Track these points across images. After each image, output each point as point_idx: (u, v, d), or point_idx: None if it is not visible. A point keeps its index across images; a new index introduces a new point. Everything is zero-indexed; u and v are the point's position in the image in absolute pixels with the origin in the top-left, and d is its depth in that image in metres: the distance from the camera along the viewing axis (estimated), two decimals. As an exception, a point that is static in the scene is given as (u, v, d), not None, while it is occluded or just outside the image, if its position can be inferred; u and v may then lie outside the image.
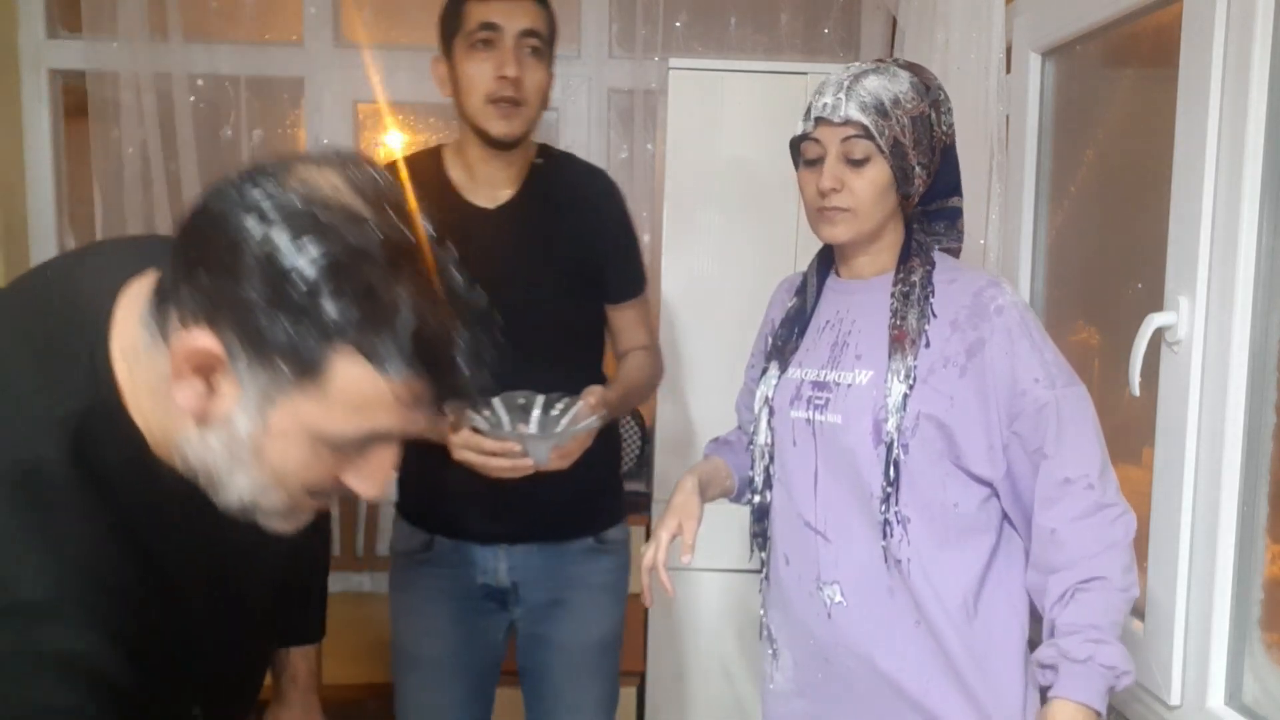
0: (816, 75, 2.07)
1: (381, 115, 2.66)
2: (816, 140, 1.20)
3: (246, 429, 0.68)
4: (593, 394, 1.37)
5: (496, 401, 1.38)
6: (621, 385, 1.52)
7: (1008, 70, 1.71)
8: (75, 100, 2.48)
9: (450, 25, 1.46)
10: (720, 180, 2.12)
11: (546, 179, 1.54)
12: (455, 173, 1.52)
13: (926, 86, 1.20)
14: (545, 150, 1.58)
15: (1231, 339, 1.19)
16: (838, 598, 1.22)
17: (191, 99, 2.48)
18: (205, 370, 0.67)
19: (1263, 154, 1.16)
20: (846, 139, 1.17)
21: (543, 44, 1.45)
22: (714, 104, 2.11)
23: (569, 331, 1.55)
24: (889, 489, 1.17)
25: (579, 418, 1.36)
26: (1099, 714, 1.09)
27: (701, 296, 2.18)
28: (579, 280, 1.54)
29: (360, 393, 0.66)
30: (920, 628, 1.19)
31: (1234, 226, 1.17)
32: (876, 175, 1.18)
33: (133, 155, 2.41)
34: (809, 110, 1.21)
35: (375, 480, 0.74)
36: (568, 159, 1.61)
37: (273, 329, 0.64)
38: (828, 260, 1.34)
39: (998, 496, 1.20)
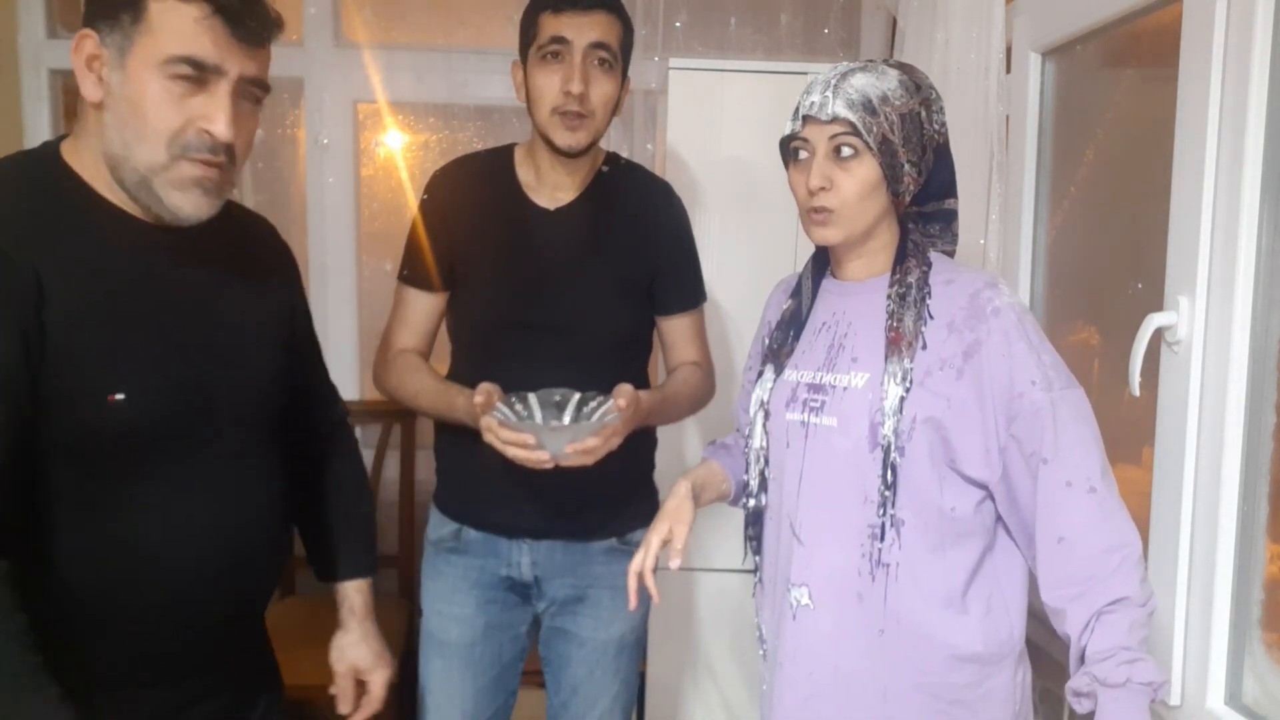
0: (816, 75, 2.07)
1: (381, 115, 2.66)
2: (805, 139, 1.19)
3: (118, 80, 1.01)
4: (623, 394, 1.38)
5: (532, 397, 1.41)
6: (661, 393, 1.55)
7: (1008, 70, 1.71)
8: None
9: (526, 35, 1.50)
10: (720, 180, 2.12)
11: (609, 186, 1.59)
12: (523, 173, 1.57)
13: (917, 86, 1.19)
14: (613, 159, 1.62)
15: (1231, 339, 1.19)
16: (805, 600, 1.22)
17: (191, 99, 2.48)
18: (91, 61, 1.02)
19: (1263, 154, 1.16)
20: (834, 136, 1.17)
21: (612, 56, 1.47)
22: (714, 104, 2.11)
23: (616, 336, 1.58)
24: (886, 492, 1.16)
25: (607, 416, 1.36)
26: None
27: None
28: (629, 286, 1.58)
29: (170, 22, 0.99)
30: (884, 638, 1.18)
31: (1234, 226, 1.18)
32: (865, 173, 1.17)
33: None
34: (797, 109, 1.21)
35: (216, 117, 1.01)
36: (633, 169, 1.65)
37: (138, 6, 0.99)
38: (823, 261, 1.33)
39: (992, 499, 1.20)
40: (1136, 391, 1.30)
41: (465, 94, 2.55)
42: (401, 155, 2.74)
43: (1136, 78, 1.56)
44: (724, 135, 2.12)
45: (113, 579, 1.09)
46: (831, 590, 1.20)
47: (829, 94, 1.17)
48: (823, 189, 1.18)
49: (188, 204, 1.05)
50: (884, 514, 1.17)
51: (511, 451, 1.33)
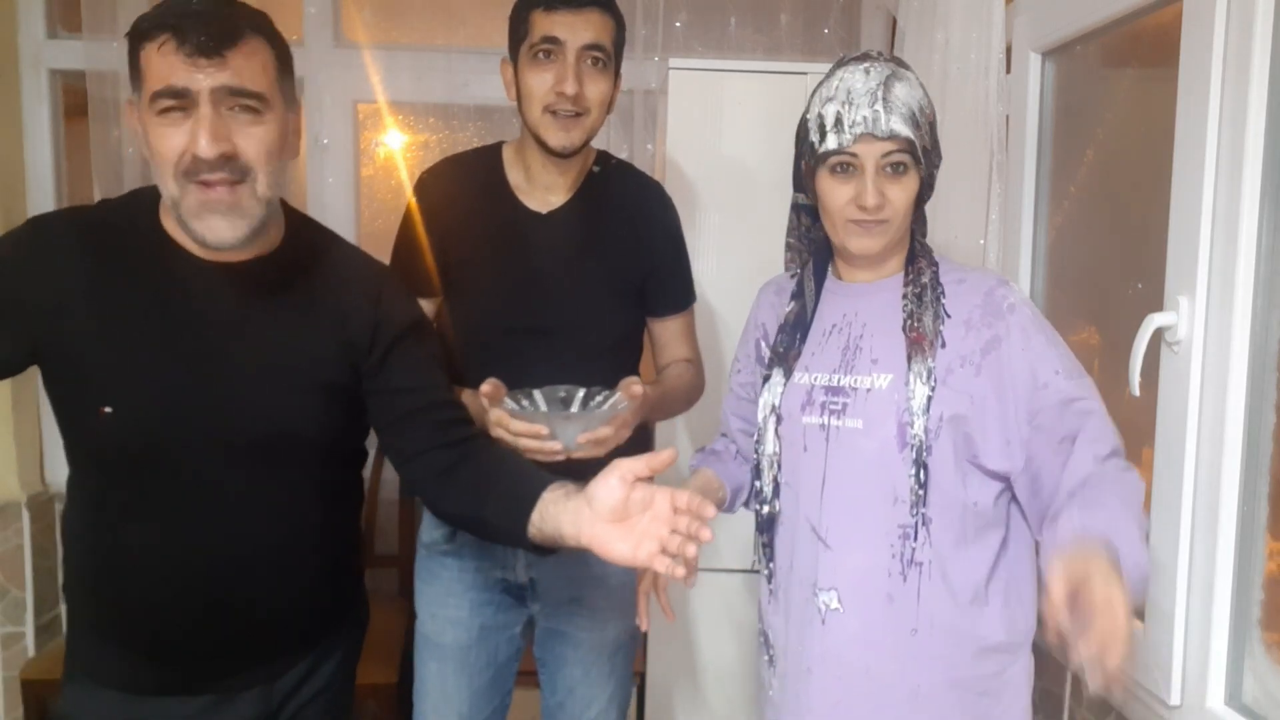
0: (816, 75, 2.05)
1: (381, 115, 2.66)
2: (854, 154, 1.17)
3: (142, 131, 1.10)
4: (633, 382, 1.39)
5: (537, 393, 1.40)
6: (660, 387, 1.54)
7: (1008, 70, 1.71)
8: (75, 100, 2.48)
9: (517, 33, 1.48)
10: (720, 180, 2.12)
11: (600, 187, 1.57)
12: (513, 174, 1.56)
13: (923, 88, 1.22)
14: (604, 158, 1.60)
15: (1231, 339, 1.19)
16: (834, 604, 1.22)
17: (191, 99, 2.48)
18: (137, 125, 1.11)
19: (1263, 154, 1.16)
20: (889, 153, 1.16)
21: (605, 55, 1.46)
22: (714, 104, 2.11)
23: (610, 338, 1.57)
24: (919, 491, 1.16)
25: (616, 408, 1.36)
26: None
27: (700, 297, 2.17)
28: (622, 288, 1.57)
29: (149, 64, 1.07)
30: (916, 637, 1.19)
31: (1234, 226, 1.18)
32: (912, 186, 1.19)
33: (133, 155, 2.40)
34: (839, 120, 1.16)
35: (198, 135, 1.06)
36: (624, 169, 1.63)
37: (133, 64, 1.10)
38: (823, 262, 1.33)
39: (1010, 489, 1.20)
40: (1136, 391, 1.30)
41: (465, 94, 2.55)
42: (401, 155, 2.74)
43: (1136, 78, 1.56)
44: (723, 135, 2.12)
45: (116, 576, 1.18)
46: (861, 593, 1.20)
47: (879, 108, 1.15)
48: (878, 205, 1.17)
49: (209, 230, 1.10)
50: (916, 513, 1.17)
51: (523, 443, 1.32)
